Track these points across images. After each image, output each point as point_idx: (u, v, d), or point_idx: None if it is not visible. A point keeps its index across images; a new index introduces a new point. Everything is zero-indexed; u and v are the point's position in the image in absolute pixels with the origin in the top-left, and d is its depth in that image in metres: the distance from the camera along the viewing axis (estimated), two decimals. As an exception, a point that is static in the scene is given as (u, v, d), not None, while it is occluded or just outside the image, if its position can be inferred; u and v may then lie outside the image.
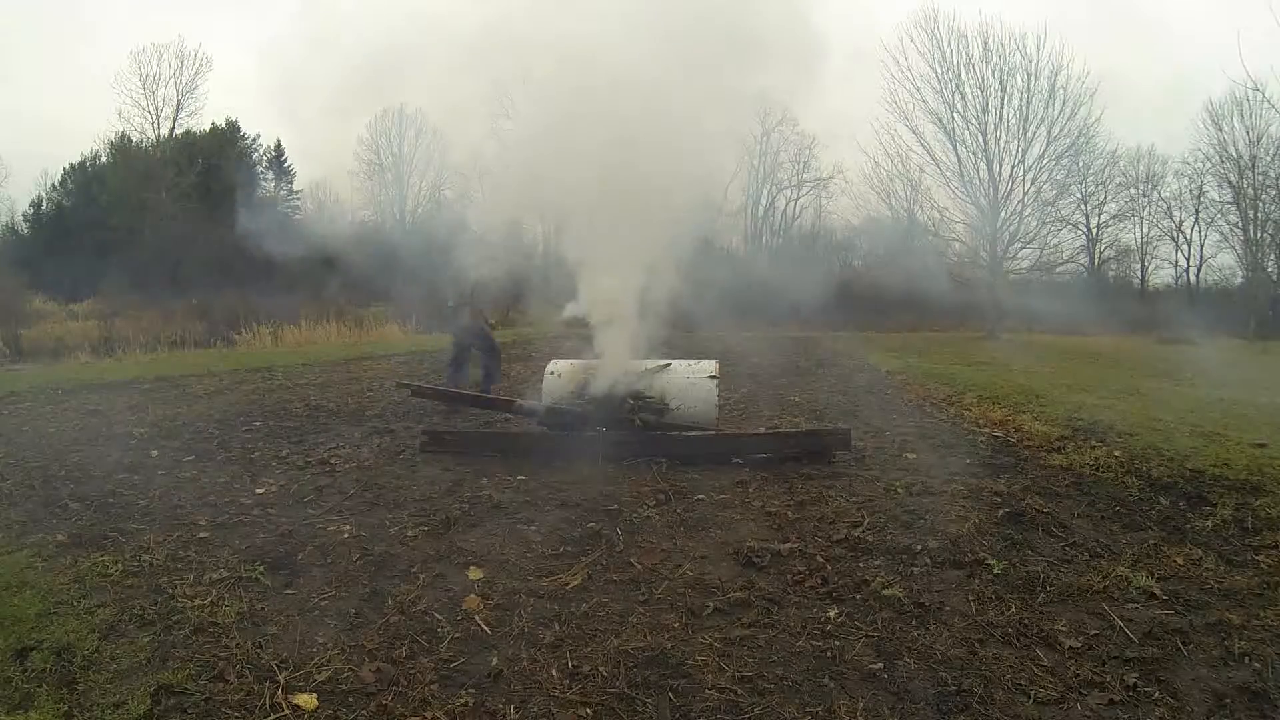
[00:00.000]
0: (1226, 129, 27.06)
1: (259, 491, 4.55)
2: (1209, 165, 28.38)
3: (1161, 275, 33.27)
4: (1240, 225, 27.74)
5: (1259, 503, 4.10)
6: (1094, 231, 30.12)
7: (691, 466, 5.05)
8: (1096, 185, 27.81)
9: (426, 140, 35.01)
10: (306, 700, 2.25)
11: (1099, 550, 3.48)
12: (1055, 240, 25.01)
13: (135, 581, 3.11)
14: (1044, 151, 22.91)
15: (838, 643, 2.61)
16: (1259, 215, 26.44)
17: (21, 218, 33.01)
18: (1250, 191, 26.59)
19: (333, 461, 5.36)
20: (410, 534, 3.72)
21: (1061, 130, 22.78)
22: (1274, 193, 25.71)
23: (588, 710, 2.21)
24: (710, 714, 2.21)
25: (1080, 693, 2.30)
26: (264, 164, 35.14)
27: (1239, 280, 29.14)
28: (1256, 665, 2.44)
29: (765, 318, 18.98)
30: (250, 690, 2.31)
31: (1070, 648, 2.55)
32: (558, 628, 2.72)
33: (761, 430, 6.48)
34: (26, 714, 2.16)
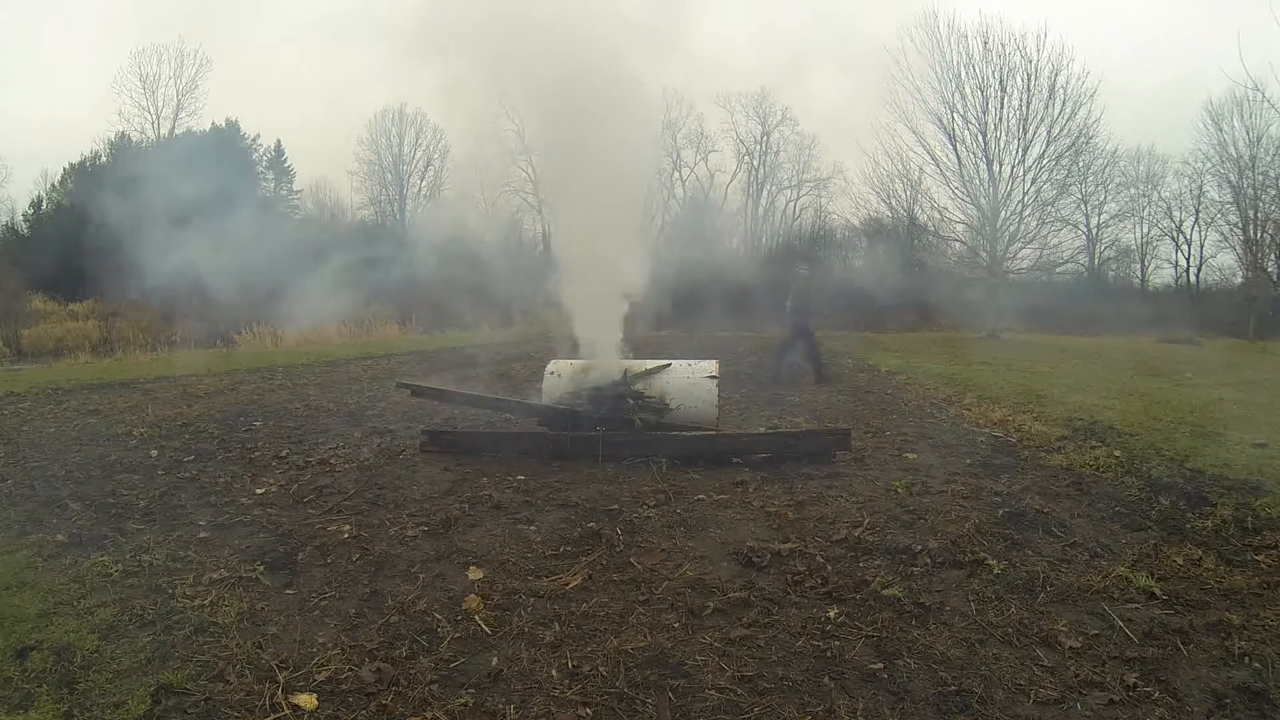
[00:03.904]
0: (1226, 129, 27.11)
1: (259, 491, 4.55)
2: (1209, 165, 28.42)
3: (1161, 275, 33.30)
4: (1240, 225, 27.76)
5: (1259, 503, 4.10)
6: (1094, 231, 30.14)
7: (691, 466, 5.05)
8: (1096, 185, 27.82)
9: (427, 140, 35.05)
10: (306, 700, 2.25)
11: (1099, 550, 3.48)
12: (1055, 240, 24.99)
13: (135, 581, 3.11)
14: (1044, 151, 22.92)
15: (838, 643, 2.60)
16: (1259, 215, 26.44)
17: (21, 218, 33.00)
18: (1250, 191, 26.60)
19: (333, 461, 5.36)
20: (410, 534, 3.72)
21: (1061, 130, 22.79)
22: (1274, 193, 25.71)
23: (588, 710, 2.21)
24: (710, 714, 2.21)
25: (1080, 693, 2.29)
26: (264, 164, 35.12)
27: (1239, 280, 29.15)
28: (1256, 665, 2.44)
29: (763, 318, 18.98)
30: (250, 690, 2.30)
31: (1070, 648, 2.55)
32: (558, 628, 2.72)
33: (761, 430, 6.48)
34: (26, 714, 2.16)
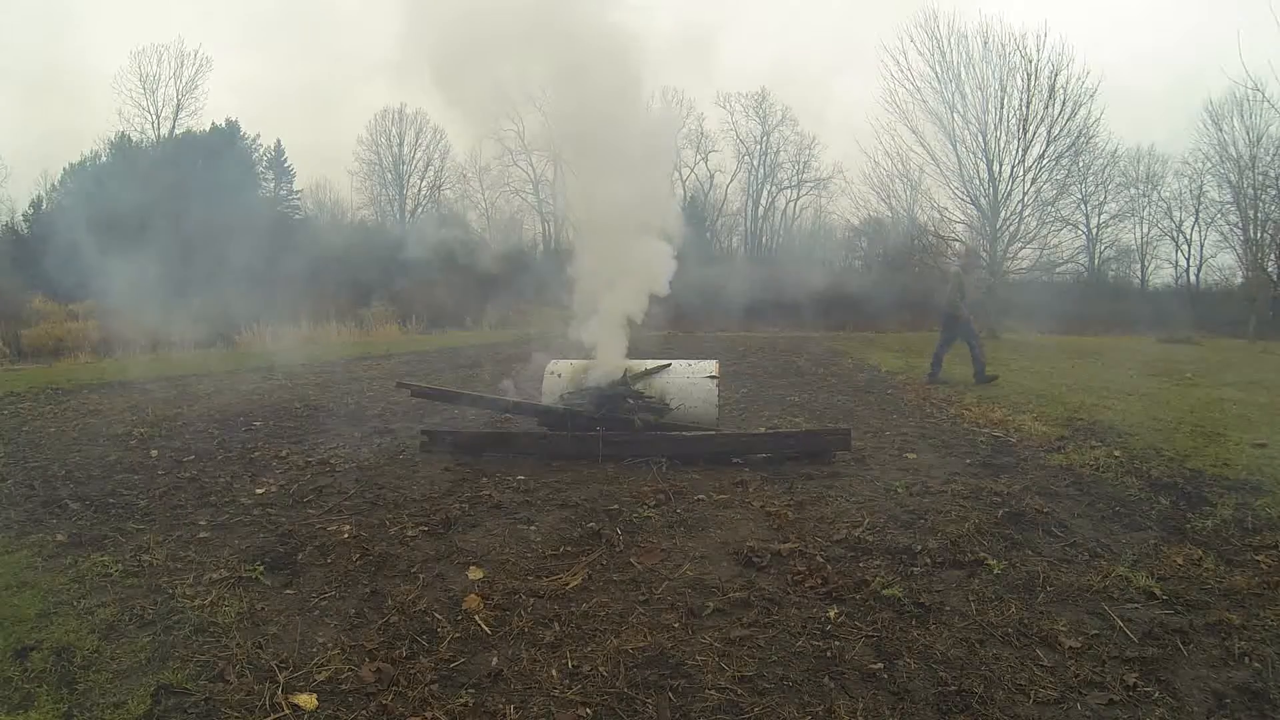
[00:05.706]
0: (1226, 129, 27.16)
1: (259, 491, 4.55)
2: (1209, 165, 28.49)
3: (1161, 275, 33.38)
4: (1240, 225, 27.82)
5: (1259, 503, 4.10)
6: (1094, 231, 30.21)
7: (691, 466, 5.05)
8: (1096, 185, 27.89)
9: (427, 140, 35.06)
10: (306, 700, 2.25)
11: (1099, 550, 3.47)
12: (1055, 240, 25.07)
13: (135, 581, 3.11)
14: (1044, 151, 22.94)
15: (838, 643, 2.60)
16: (1259, 215, 26.50)
17: (21, 218, 32.99)
18: (1250, 191, 26.65)
19: (333, 461, 5.36)
20: (410, 534, 3.72)
21: (1061, 130, 22.81)
22: (1274, 193, 25.75)
23: (588, 710, 2.21)
24: (710, 714, 2.21)
25: (1080, 693, 2.29)
26: (264, 164, 35.14)
27: (1239, 280, 29.19)
28: (1256, 665, 2.44)
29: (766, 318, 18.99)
30: (250, 690, 2.30)
31: (1070, 648, 2.55)
32: (558, 628, 2.71)
33: (761, 430, 6.48)
34: (26, 714, 2.16)
